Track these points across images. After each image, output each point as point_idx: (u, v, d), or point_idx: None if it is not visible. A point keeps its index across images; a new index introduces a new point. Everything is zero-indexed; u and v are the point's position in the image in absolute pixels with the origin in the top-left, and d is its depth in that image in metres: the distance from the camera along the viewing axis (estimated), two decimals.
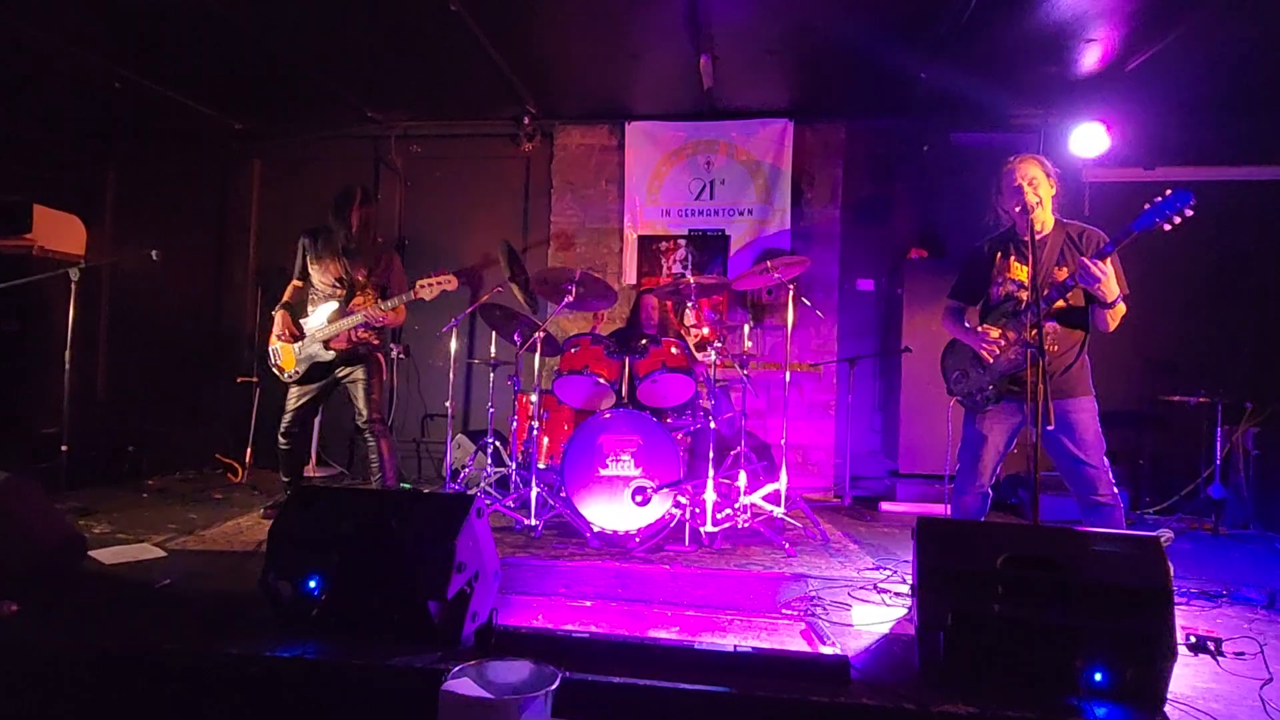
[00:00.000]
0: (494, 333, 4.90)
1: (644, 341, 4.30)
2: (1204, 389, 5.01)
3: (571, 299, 4.37)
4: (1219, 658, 2.49)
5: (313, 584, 2.47)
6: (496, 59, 5.07)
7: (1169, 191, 2.77)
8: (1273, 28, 4.36)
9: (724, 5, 4.39)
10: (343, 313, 4.16)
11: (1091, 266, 2.85)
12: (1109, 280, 2.87)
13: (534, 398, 4.43)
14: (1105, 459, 3.00)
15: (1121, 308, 2.98)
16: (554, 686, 1.78)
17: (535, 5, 4.46)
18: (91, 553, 3.33)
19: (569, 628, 2.63)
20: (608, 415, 4.06)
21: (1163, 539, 2.24)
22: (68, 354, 4.61)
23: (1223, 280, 5.45)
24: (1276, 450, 4.84)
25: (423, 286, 4.09)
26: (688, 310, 5.17)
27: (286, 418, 4.28)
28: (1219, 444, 4.92)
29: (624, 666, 2.21)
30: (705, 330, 5.42)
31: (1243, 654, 2.54)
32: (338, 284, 4.21)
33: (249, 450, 5.81)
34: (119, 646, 2.38)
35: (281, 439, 4.29)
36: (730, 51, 4.99)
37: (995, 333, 3.10)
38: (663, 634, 2.61)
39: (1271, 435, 4.88)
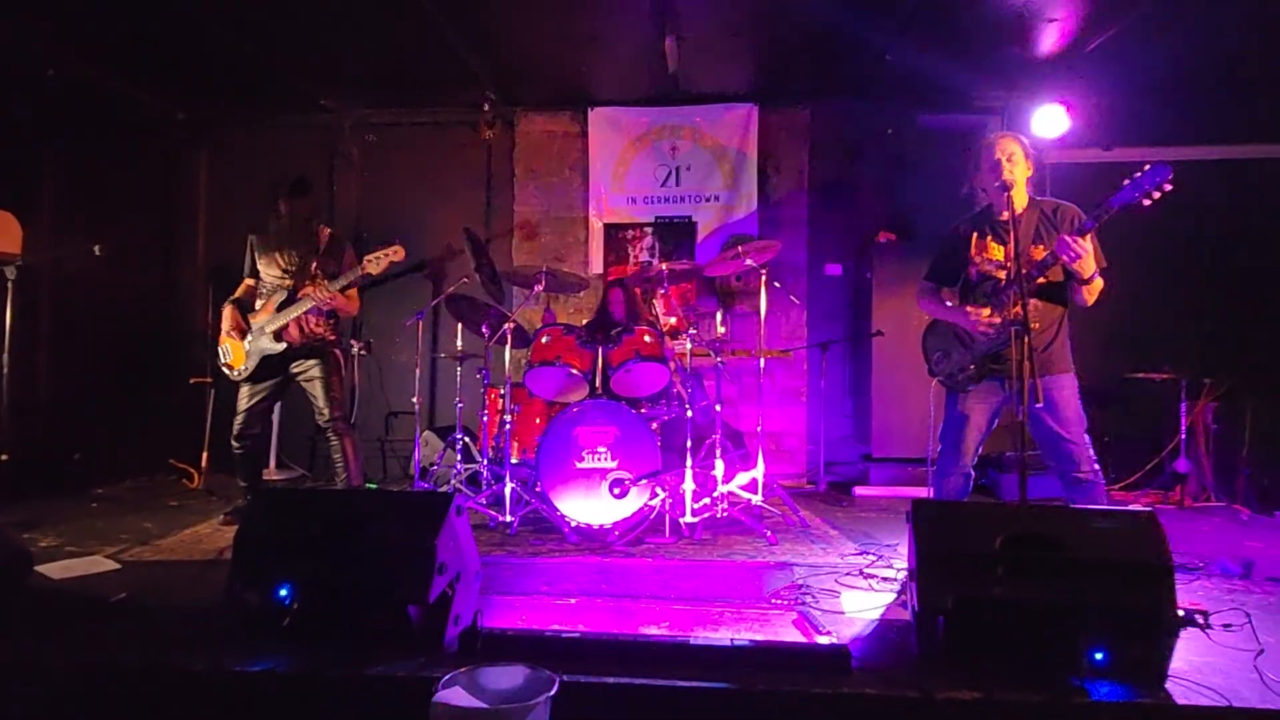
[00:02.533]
0: (460, 325, 4.76)
1: (617, 330, 4.20)
2: (1168, 366, 5.09)
3: (541, 287, 4.25)
4: (1208, 630, 2.50)
5: (283, 592, 2.33)
6: (455, 42, 4.90)
7: (1147, 166, 2.75)
8: (1226, 12, 4.43)
9: None
10: (290, 301, 3.98)
11: (1072, 243, 2.84)
12: (1088, 256, 2.87)
13: (504, 391, 4.31)
14: (1086, 435, 3.00)
15: (1099, 282, 2.98)
16: (553, 692, 1.68)
17: None
18: (38, 568, 3.13)
19: (557, 627, 2.54)
20: (581, 407, 3.96)
21: None
22: (5, 357, 4.37)
23: (1182, 258, 5.51)
24: (1234, 424, 4.94)
25: (370, 260, 3.92)
26: (656, 299, 5.08)
27: (239, 420, 4.03)
28: (1183, 419, 5.01)
29: (618, 666, 2.12)
30: (674, 319, 5.34)
31: (1230, 625, 2.54)
32: (285, 274, 4.02)
33: (205, 455, 5.56)
34: (71, 664, 2.22)
35: (235, 443, 4.05)
36: (696, 33, 4.89)
37: (987, 312, 3.06)
38: (654, 630, 2.53)
39: (1229, 409, 4.98)
